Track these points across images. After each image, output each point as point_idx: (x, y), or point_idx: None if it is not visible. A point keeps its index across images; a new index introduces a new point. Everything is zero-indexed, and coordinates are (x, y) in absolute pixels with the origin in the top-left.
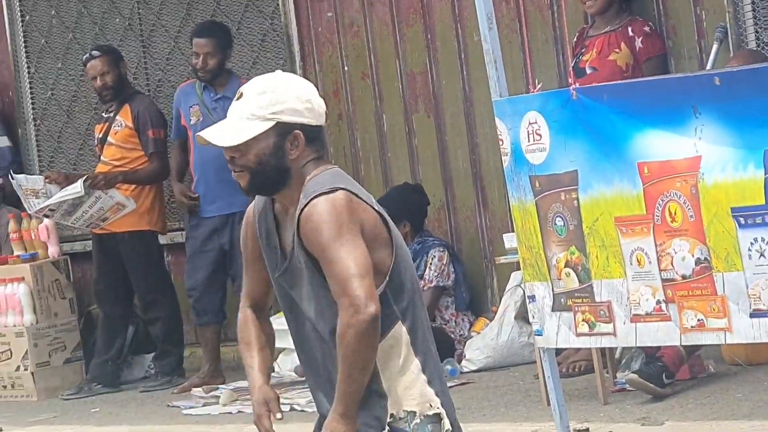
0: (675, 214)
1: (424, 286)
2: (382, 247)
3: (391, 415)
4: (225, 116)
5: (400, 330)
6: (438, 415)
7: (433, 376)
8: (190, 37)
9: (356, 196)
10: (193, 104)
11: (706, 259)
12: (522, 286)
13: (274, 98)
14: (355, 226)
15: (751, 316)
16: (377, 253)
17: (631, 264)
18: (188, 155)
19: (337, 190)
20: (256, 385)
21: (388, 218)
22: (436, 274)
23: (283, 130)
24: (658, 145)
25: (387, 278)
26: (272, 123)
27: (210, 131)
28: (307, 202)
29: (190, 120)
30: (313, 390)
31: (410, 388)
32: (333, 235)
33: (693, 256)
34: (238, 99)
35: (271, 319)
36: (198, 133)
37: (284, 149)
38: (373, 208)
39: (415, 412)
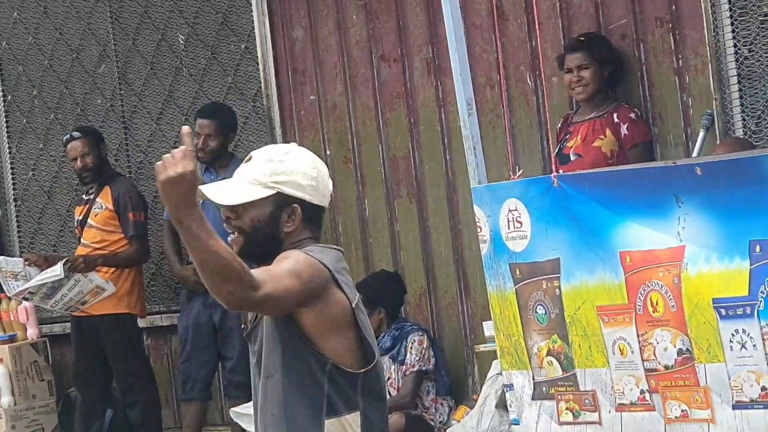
0: (657, 304)
1: (405, 371)
2: (348, 341)
3: None
4: None
5: (356, 420)
6: None
7: None
8: (194, 117)
9: (335, 281)
10: None
11: (688, 349)
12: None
13: (280, 168)
14: (311, 284)
15: (734, 407)
16: (336, 341)
17: (613, 353)
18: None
19: (320, 264)
20: None
21: (367, 326)
22: (417, 358)
23: (282, 202)
24: (640, 234)
25: (363, 371)
26: (272, 192)
27: (210, 188)
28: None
29: None
30: None
31: None
32: (287, 264)
33: (675, 346)
34: (246, 161)
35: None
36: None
37: (280, 220)
38: (350, 302)
39: None
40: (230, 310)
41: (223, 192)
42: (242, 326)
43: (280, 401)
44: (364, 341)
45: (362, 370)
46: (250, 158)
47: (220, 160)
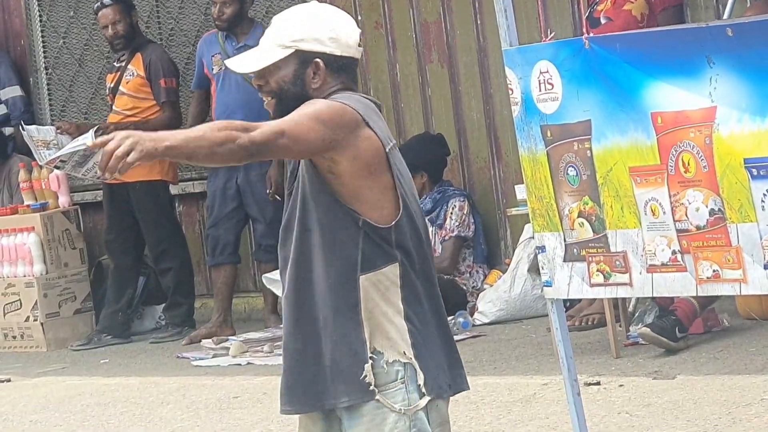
0: (688, 164)
1: (446, 236)
2: (386, 190)
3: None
4: None
5: (395, 272)
6: (411, 366)
7: (416, 329)
8: None
9: (366, 123)
10: (215, 53)
11: (720, 209)
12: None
13: (297, 27)
14: (334, 124)
15: (766, 267)
16: (375, 190)
17: (645, 214)
18: (207, 108)
19: (346, 106)
20: None
21: (405, 178)
22: (457, 224)
23: (303, 59)
24: (671, 95)
25: (393, 223)
26: (291, 51)
27: (234, 59)
28: None
29: (213, 69)
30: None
31: (386, 330)
32: (305, 108)
33: (707, 206)
34: (270, 27)
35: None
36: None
37: (305, 78)
38: (383, 146)
39: (383, 354)
40: (255, 159)
41: (245, 61)
42: (267, 191)
43: (314, 257)
44: (398, 189)
45: (393, 223)
46: (271, 24)
47: (240, 27)
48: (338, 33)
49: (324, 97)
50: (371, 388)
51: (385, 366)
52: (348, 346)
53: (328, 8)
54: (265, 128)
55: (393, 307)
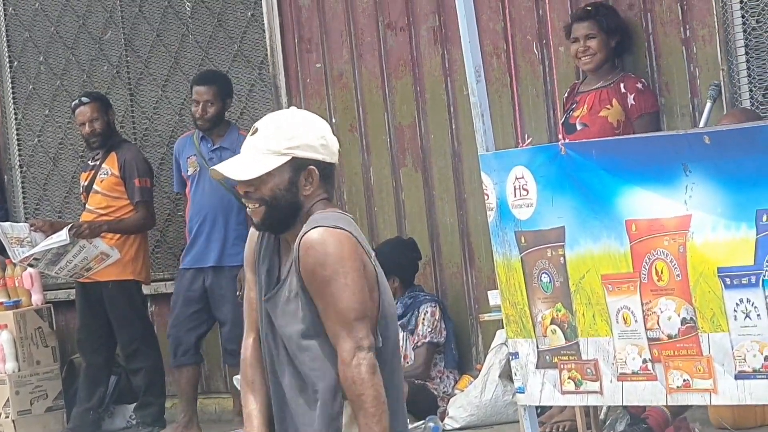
0: (661, 272)
1: (418, 342)
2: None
3: None
4: None
5: None
6: None
7: None
8: (190, 86)
9: (360, 245)
10: (191, 155)
11: (692, 319)
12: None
13: (290, 133)
14: (359, 266)
15: (737, 377)
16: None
17: (617, 322)
18: None
19: (341, 230)
20: None
21: (384, 280)
22: (429, 329)
23: (297, 166)
24: (647, 202)
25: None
26: (288, 158)
27: (225, 165)
28: (309, 230)
29: (188, 171)
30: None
31: None
32: (336, 271)
33: (679, 315)
34: (252, 134)
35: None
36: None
37: (298, 185)
38: (374, 266)
39: None
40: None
41: (239, 168)
42: (237, 293)
43: (303, 377)
44: (380, 309)
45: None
46: (255, 130)
47: (218, 129)
48: (327, 140)
49: (308, 209)
50: None
51: None
52: None
53: (314, 116)
54: (359, 355)
55: None
